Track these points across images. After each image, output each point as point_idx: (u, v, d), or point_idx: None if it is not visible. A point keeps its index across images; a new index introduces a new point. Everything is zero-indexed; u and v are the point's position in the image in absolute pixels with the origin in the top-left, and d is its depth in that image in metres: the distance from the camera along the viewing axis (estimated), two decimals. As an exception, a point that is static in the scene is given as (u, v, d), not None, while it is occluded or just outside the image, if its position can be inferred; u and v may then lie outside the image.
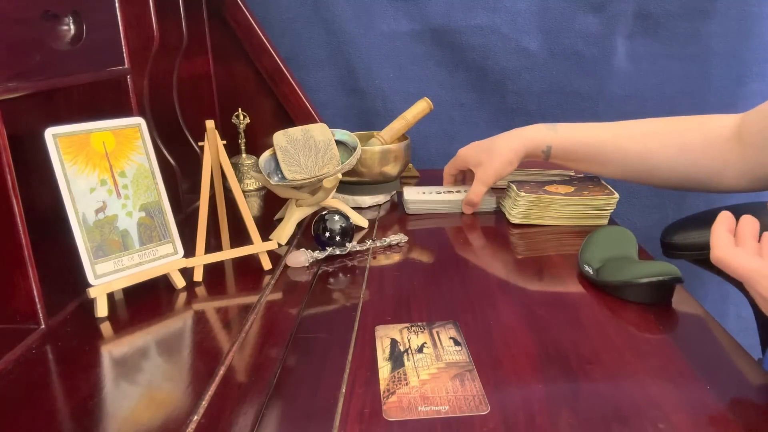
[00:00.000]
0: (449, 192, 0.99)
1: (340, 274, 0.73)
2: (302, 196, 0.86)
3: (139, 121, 0.70)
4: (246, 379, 0.51)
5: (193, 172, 0.96)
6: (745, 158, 0.76)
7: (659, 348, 0.54)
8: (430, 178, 1.16)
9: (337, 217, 0.78)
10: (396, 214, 0.96)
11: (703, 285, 1.31)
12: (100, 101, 0.78)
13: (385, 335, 0.58)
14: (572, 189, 0.91)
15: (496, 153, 0.90)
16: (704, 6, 1.17)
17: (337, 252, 0.77)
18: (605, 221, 0.88)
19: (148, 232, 0.68)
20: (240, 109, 1.13)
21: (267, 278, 0.71)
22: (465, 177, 1.03)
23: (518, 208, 0.88)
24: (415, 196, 0.97)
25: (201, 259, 0.71)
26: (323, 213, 0.79)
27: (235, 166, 1.12)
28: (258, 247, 0.73)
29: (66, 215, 0.61)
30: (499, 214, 0.94)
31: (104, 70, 0.75)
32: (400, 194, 1.02)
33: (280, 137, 0.86)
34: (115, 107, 0.78)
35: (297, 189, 0.85)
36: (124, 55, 0.77)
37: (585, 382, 0.49)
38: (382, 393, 0.49)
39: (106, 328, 0.61)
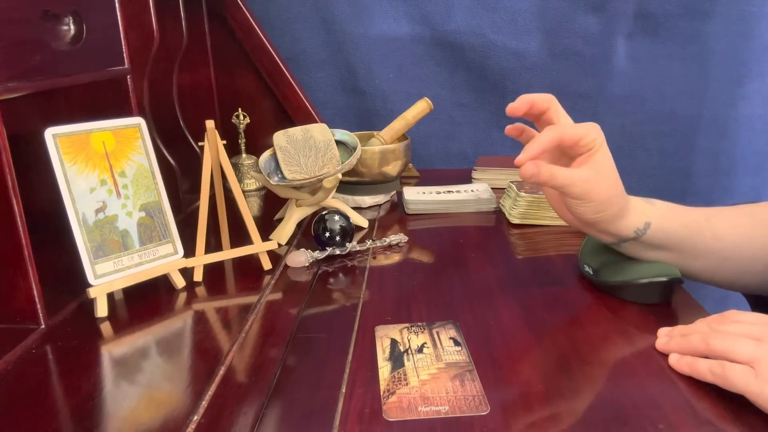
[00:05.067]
0: (449, 192, 0.99)
1: (340, 274, 0.73)
2: (302, 196, 0.86)
3: (139, 121, 0.70)
4: (246, 379, 0.51)
5: (193, 172, 0.96)
6: None
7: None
8: (430, 178, 1.16)
9: (337, 217, 0.78)
10: (396, 214, 0.96)
11: (703, 285, 1.30)
12: (100, 101, 0.78)
13: (385, 335, 0.58)
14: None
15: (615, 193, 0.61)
16: (704, 6, 1.17)
17: (337, 252, 0.77)
18: (605, 221, 0.88)
19: (148, 232, 0.68)
20: (240, 109, 1.13)
21: (267, 278, 0.71)
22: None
23: (518, 208, 0.88)
24: (415, 196, 0.97)
25: (201, 259, 0.71)
26: (323, 213, 0.79)
27: (235, 166, 1.12)
28: (258, 247, 0.73)
29: (66, 215, 0.61)
30: (499, 214, 0.94)
31: (104, 70, 0.75)
32: (400, 194, 1.02)
33: (280, 137, 0.86)
34: (115, 107, 0.78)
35: (297, 189, 0.85)
36: (124, 55, 0.77)
37: (585, 382, 0.49)
38: (382, 393, 0.49)
39: (106, 328, 0.61)
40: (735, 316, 0.51)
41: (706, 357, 0.48)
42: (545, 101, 0.62)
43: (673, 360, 0.51)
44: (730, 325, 0.50)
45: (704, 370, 0.48)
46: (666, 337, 0.54)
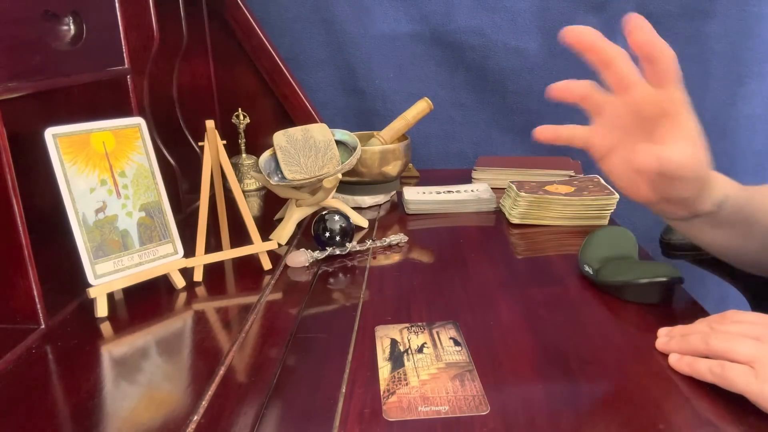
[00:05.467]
0: (449, 192, 0.99)
1: (340, 274, 0.73)
2: (302, 196, 0.86)
3: (139, 121, 0.70)
4: (246, 379, 0.51)
5: (193, 172, 0.95)
6: None
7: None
8: (430, 178, 1.16)
9: (337, 217, 0.78)
10: (396, 214, 0.96)
11: (703, 285, 1.30)
12: (100, 101, 0.78)
13: (385, 335, 0.58)
14: (572, 189, 0.91)
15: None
16: (704, 6, 1.16)
17: (337, 252, 0.77)
18: (605, 221, 0.88)
19: (148, 232, 0.68)
20: (240, 109, 1.13)
21: (267, 278, 0.71)
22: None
23: (518, 208, 0.88)
24: (415, 196, 0.97)
25: (201, 259, 0.71)
26: (323, 213, 0.79)
27: (235, 166, 1.12)
28: (258, 247, 0.73)
29: (66, 215, 0.61)
30: (499, 214, 0.94)
31: (104, 70, 0.75)
32: (400, 194, 1.02)
33: (280, 137, 0.86)
34: (115, 107, 0.78)
35: (297, 189, 0.85)
36: (124, 55, 0.77)
37: (585, 382, 0.49)
38: (382, 393, 0.49)
39: (106, 328, 0.61)
40: (735, 316, 0.51)
41: (706, 357, 0.48)
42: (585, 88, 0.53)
43: (673, 360, 0.51)
44: (730, 325, 0.50)
45: (704, 370, 0.48)
46: (666, 337, 0.54)
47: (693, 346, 0.50)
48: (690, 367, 0.49)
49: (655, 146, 0.48)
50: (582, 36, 0.50)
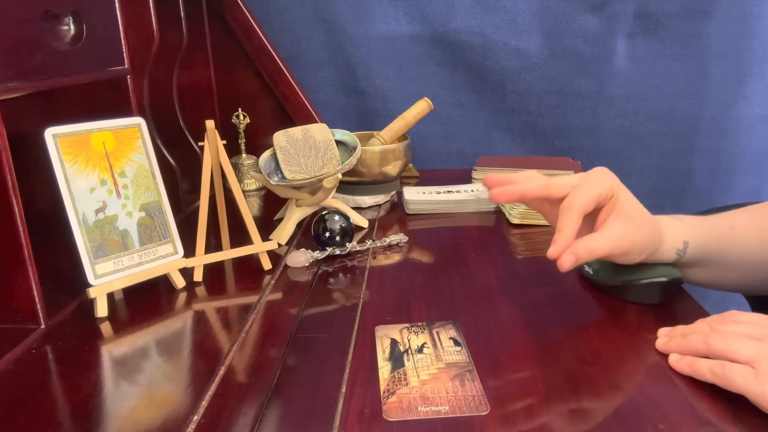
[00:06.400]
0: (449, 192, 0.99)
1: (340, 274, 0.73)
2: (302, 196, 0.86)
3: (139, 121, 0.70)
4: (246, 379, 0.51)
5: (193, 172, 0.96)
6: None
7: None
8: (430, 178, 1.16)
9: (337, 217, 0.78)
10: (396, 214, 0.96)
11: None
12: (100, 101, 0.78)
13: (385, 335, 0.58)
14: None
15: (651, 233, 0.59)
16: (704, 6, 1.17)
17: (337, 252, 0.77)
18: (605, 221, 0.88)
19: (148, 232, 0.68)
20: (240, 109, 1.13)
21: (267, 278, 0.71)
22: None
23: (518, 208, 0.88)
24: (415, 196, 0.97)
25: (201, 259, 0.71)
26: (323, 213, 0.79)
27: (235, 166, 1.12)
28: (258, 247, 0.73)
29: (66, 215, 0.61)
30: (499, 214, 0.94)
31: (104, 70, 0.75)
32: (400, 194, 1.02)
33: (280, 137, 0.86)
34: (115, 107, 0.78)
35: (297, 189, 0.85)
36: (124, 55, 0.77)
37: (585, 382, 0.49)
38: (382, 393, 0.49)
39: (106, 328, 0.61)
40: (735, 316, 0.51)
41: (707, 357, 0.48)
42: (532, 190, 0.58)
43: (673, 360, 0.51)
44: (730, 325, 0.50)
45: (704, 370, 0.48)
46: (666, 337, 0.54)
47: (693, 347, 0.50)
48: (690, 367, 0.49)
49: (583, 240, 0.55)
50: (492, 183, 0.59)
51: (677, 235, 0.60)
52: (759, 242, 0.62)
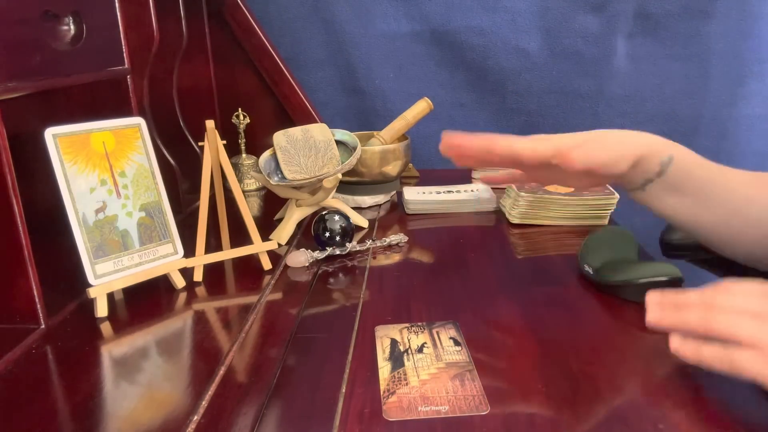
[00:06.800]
0: (449, 192, 0.99)
1: (340, 274, 0.73)
2: (302, 196, 0.86)
3: (139, 121, 0.70)
4: (246, 379, 0.51)
5: (193, 172, 0.96)
6: None
7: (659, 348, 0.54)
8: (430, 178, 1.16)
9: (337, 217, 0.78)
10: (396, 214, 0.96)
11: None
12: (100, 101, 0.78)
13: (385, 335, 0.58)
14: (572, 189, 0.91)
15: (607, 143, 0.63)
16: (704, 6, 1.16)
17: (337, 252, 0.77)
18: (605, 221, 0.88)
19: (148, 232, 0.68)
20: (240, 109, 1.13)
21: (267, 278, 0.71)
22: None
23: (518, 208, 0.88)
24: (415, 196, 0.97)
25: (201, 259, 0.71)
26: (323, 213, 0.79)
27: (235, 166, 1.12)
28: (258, 247, 0.73)
29: (66, 215, 0.61)
30: (499, 214, 0.94)
31: (104, 70, 0.75)
32: (400, 194, 1.02)
33: (280, 137, 0.86)
34: (115, 107, 0.78)
35: (297, 189, 0.85)
36: (124, 55, 0.77)
37: (585, 382, 0.49)
38: (382, 393, 0.49)
39: (106, 328, 0.61)
40: (731, 286, 0.48)
41: (706, 336, 0.46)
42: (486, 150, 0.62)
43: (676, 344, 0.48)
44: (726, 296, 0.47)
45: (710, 358, 0.46)
46: (657, 306, 0.50)
47: (692, 326, 0.47)
48: (695, 354, 0.47)
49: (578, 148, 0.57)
50: (452, 142, 0.61)
51: (664, 146, 0.61)
52: (744, 192, 0.62)
